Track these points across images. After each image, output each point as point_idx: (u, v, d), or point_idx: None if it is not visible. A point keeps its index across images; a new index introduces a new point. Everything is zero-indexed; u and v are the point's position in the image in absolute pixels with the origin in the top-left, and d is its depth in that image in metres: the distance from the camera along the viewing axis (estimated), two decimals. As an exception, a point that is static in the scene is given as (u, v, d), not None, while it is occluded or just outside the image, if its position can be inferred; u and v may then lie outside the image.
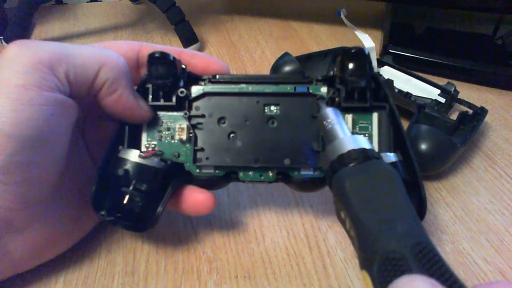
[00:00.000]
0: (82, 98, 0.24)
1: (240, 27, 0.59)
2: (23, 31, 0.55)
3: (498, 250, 0.28)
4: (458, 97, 0.39)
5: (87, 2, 0.68)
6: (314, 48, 0.53)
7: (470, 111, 0.37)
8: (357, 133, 0.25)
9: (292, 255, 0.28)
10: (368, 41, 0.45)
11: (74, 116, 0.24)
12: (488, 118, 0.39)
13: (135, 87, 0.26)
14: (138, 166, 0.24)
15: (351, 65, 0.24)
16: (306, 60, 0.43)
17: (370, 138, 0.25)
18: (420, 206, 0.24)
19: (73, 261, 0.27)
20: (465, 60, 0.46)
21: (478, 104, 0.38)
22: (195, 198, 0.26)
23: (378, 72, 0.40)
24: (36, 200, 0.23)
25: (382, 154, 0.24)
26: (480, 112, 0.36)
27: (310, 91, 0.26)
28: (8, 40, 0.52)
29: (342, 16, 0.59)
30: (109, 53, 0.24)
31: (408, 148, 0.25)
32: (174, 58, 0.25)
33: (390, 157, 0.24)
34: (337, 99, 0.26)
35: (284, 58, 0.41)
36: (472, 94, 0.44)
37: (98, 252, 0.28)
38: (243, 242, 0.29)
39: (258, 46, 0.54)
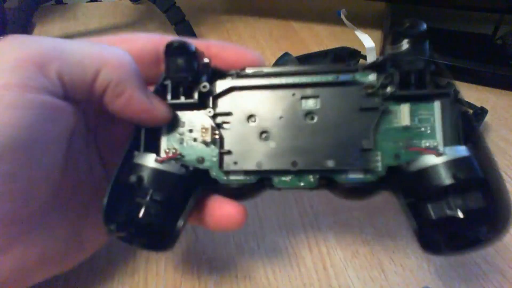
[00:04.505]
0: (82, 101, 0.22)
1: (240, 27, 0.59)
2: (23, 31, 0.54)
3: (498, 250, 0.28)
4: (458, 97, 0.39)
5: (87, 2, 0.68)
6: (314, 48, 0.53)
7: (470, 111, 0.37)
8: (415, 126, 0.21)
9: (292, 255, 0.28)
10: (368, 41, 0.45)
11: (69, 121, 0.21)
12: (488, 118, 0.39)
13: (154, 86, 0.23)
14: (155, 172, 0.21)
15: (406, 42, 0.21)
16: (306, 60, 0.43)
17: (432, 131, 0.21)
18: (505, 210, 0.19)
19: (73, 261, 0.27)
20: (465, 60, 0.46)
21: (478, 104, 0.38)
22: (224, 211, 0.22)
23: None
24: (22, 217, 0.20)
25: (452, 148, 0.20)
26: (480, 112, 0.36)
27: (356, 78, 0.22)
28: (8, 40, 0.52)
29: (342, 16, 0.59)
30: (111, 50, 0.21)
31: (481, 140, 0.21)
32: (196, 49, 0.22)
33: (462, 151, 0.20)
34: (389, 88, 0.21)
35: (284, 58, 0.41)
36: (472, 94, 0.44)
37: (98, 252, 0.28)
38: (243, 242, 0.29)
39: (258, 46, 0.54)
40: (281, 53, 0.42)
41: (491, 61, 0.46)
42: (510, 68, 0.45)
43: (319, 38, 0.56)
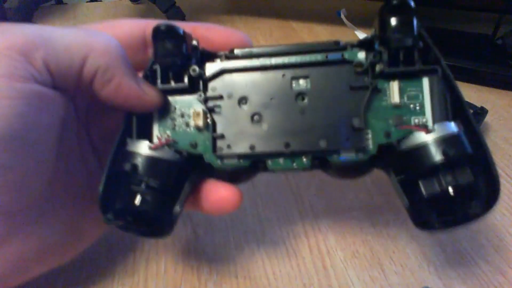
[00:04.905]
0: (72, 89, 0.21)
1: (240, 27, 0.59)
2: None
3: (498, 250, 0.28)
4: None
5: (87, 2, 0.68)
6: (314, 48, 0.53)
7: (470, 111, 0.37)
8: (405, 104, 0.22)
9: (292, 255, 0.28)
10: (368, 41, 0.45)
11: (60, 110, 0.21)
12: (488, 118, 0.39)
13: (143, 71, 0.23)
14: (149, 159, 0.21)
15: (394, 20, 0.20)
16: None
17: (421, 109, 0.21)
18: (493, 184, 0.20)
19: (73, 261, 0.27)
20: (465, 60, 0.46)
21: (478, 104, 0.38)
22: (219, 194, 0.22)
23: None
24: (15, 209, 0.20)
25: (441, 125, 0.20)
26: (480, 112, 0.37)
27: (345, 57, 0.22)
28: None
29: (342, 16, 0.59)
30: (97, 36, 0.21)
31: (469, 117, 0.21)
32: (184, 32, 0.22)
33: (451, 127, 0.20)
34: (378, 65, 0.21)
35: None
36: (472, 94, 0.44)
37: (98, 252, 0.28)
38: (243, 242, 0.29)
39: (258, 46, 0.54)
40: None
41: (491, 61, 0.46)
42: (510, 68, 0.45)
43: (319, 38, 0.56)
